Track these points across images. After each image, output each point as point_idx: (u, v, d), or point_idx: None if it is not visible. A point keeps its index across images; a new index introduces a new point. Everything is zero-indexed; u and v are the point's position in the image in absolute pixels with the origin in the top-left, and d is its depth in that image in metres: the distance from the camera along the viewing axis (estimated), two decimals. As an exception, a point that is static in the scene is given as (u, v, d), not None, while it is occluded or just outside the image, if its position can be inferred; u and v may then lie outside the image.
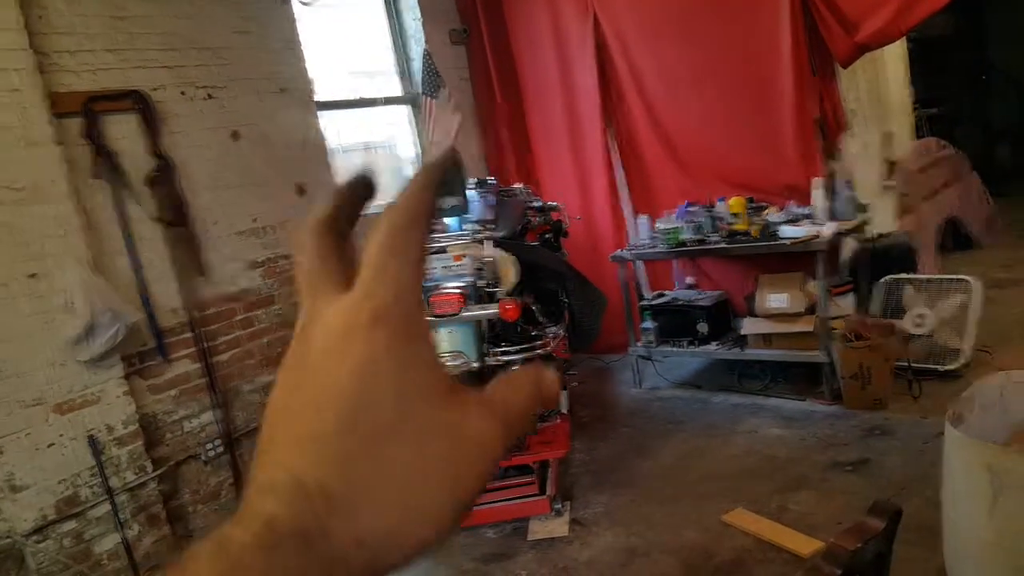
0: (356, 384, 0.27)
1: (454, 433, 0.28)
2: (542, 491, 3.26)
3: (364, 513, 0.26)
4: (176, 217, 3.62)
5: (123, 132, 3.50)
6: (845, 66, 4.25)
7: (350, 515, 0.26)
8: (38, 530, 3.02)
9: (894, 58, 5.18)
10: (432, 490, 0.27)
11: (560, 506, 3.22)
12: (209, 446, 3.74)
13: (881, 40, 4.04)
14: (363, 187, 0.33)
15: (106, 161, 3.39)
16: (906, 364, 3.65)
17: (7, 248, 3.01)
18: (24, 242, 3.06)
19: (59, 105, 3.22)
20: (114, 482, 3.24)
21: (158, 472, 3.48)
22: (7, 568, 2.96)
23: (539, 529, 3.14)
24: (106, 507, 3.19)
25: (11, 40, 3.04)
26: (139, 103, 3.53)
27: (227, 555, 0.24)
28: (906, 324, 3.88)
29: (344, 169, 4.86)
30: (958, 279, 3.89)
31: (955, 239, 6.09)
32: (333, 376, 0.28)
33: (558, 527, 3.12)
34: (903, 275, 4.08)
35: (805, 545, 2.58)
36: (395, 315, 0.28)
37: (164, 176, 3.59)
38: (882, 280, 4.12)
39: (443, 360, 0.30)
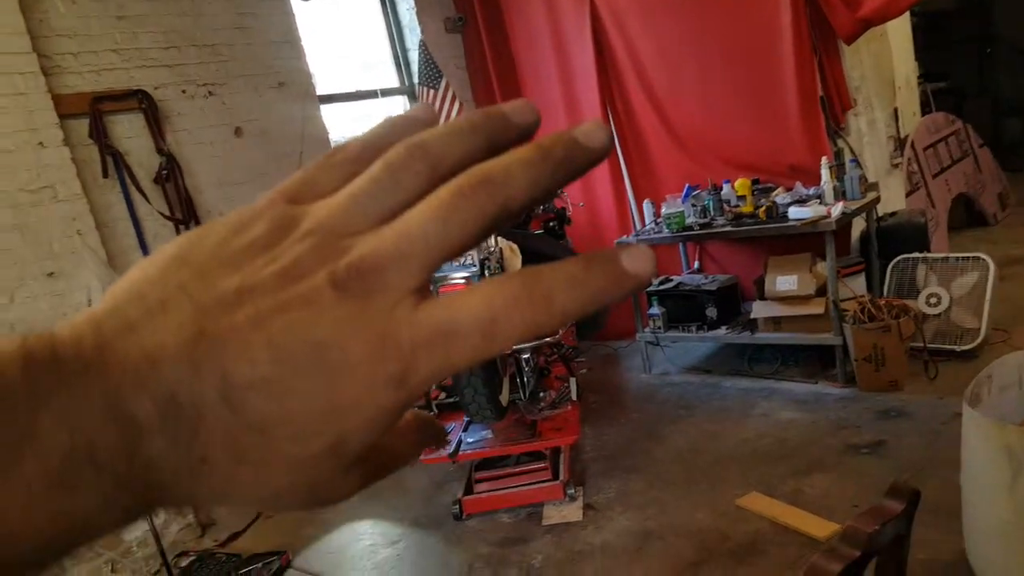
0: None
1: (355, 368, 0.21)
2: (555, 477, 3.28)
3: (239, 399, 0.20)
4: (185, 214, 3.66)
5: (129, 131, 3.51)
6: (848, 42, 4.20)
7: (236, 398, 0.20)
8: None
9: (898, 33, 5.11)
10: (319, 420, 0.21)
11: (573, 491, 3.23)
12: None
13: (884, 15, 3.99)
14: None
15: (114, 160, 3.42)
16: (921, 345, 3.62)
17: (26, 248, 3.07)
18: (41, 242, 3.12)
19: (65, 106, 3.23)
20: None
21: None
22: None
23: (553, 514, 3.15)
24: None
25: (13, 44, 3.06)
26: (143, 102, 3.54)
27: None
28: (920, 304, 3.86)
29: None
30: (972, 257, 3.85)
31: (967, 216, 6.04)
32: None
33: (572, 512, 3.13)
34: (915, 254, 4.05)
35: (821, 528, 2.57)
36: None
37: (171, 174, 3.62)
38: (894, 260, 4.09)
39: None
